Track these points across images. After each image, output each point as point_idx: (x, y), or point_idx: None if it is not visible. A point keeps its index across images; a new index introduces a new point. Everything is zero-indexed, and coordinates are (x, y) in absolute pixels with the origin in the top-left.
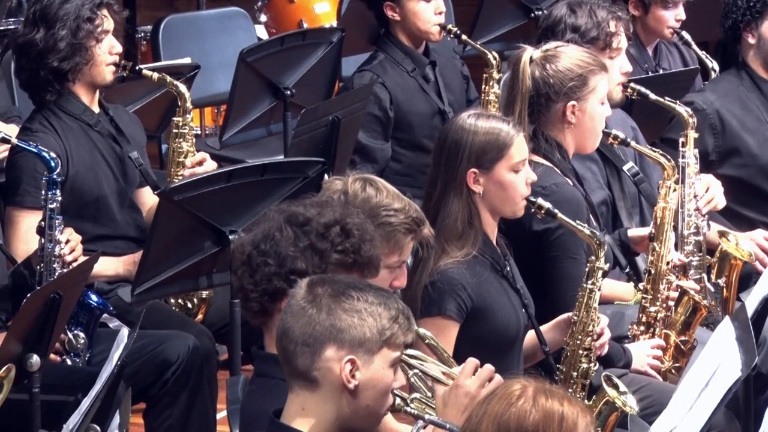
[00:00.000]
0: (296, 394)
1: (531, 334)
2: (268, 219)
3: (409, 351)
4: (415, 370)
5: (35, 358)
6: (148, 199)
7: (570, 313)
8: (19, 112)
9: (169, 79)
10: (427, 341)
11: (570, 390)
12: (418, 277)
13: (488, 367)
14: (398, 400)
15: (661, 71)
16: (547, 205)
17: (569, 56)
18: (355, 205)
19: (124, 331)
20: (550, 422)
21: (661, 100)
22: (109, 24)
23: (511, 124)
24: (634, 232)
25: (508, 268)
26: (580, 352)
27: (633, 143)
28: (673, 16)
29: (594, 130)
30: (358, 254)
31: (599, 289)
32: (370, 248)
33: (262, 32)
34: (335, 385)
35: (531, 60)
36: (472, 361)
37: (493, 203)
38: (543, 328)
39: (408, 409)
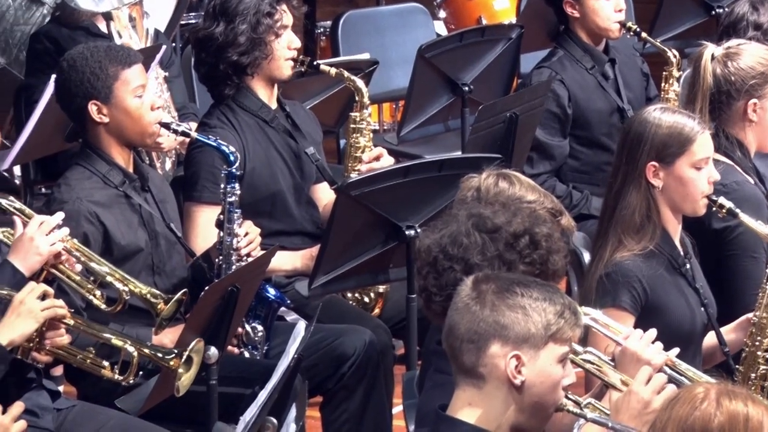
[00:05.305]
0: (463, 390)
1: (711, 335)
2: (455, 220)
3: (585, 356)
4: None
5: (213, 351)
6: (324, 194)
7: (751, 314)
8: (196, 109)
9: (346, 74)
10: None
11: None
12: (593, 268)
13: (662, 376)
14: (565, 400)
15: None
16: (729, 204)
17: (751, 54)
18: (488, 199)
19: (301, 325)
20: (735, 424)
21: None
22: (288, 19)
23: (697, 120)
24: None
25: (688, 266)
26: (759, 354)
27: None
28: None
29: None
30: (545, 266)
31: None
32: (558, 260)
33: (441, 28)
34: (501, 381)
35: (713, 57)
36: (646, 369)
37: (673, 199)
38: (725, 328)
39: (571, 408)
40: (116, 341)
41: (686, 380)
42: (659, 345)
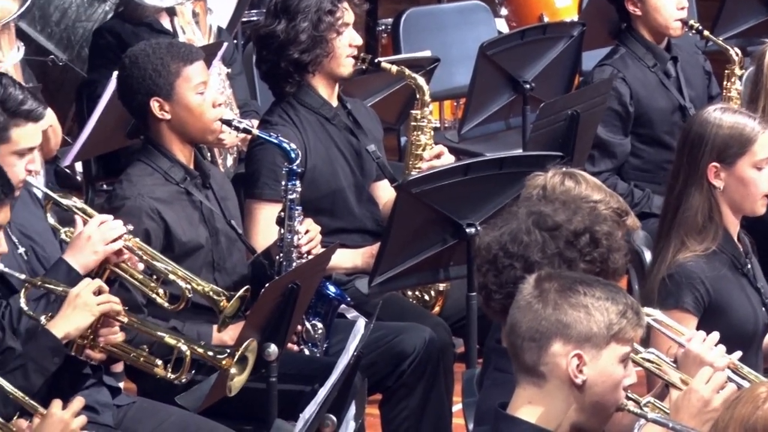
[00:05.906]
0: (523, 388)
1: None
2: (515, 217)
3: (645, 355)
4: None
5: (273, 348)
6: (385, 192)
7: None
8: (257, 107)
9: (407, 72)
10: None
11: None
12: (656, 269)
13: (722, 374)
14: (626, 400)
15: None
16: None
17: None
18: (553, 198)
19: (361, 322)
20: None
21: None
22: (349, 17)
23: (758, 120)
24: None
25: (749, 266)
26: None
27: None
28: None
29: None
30: (605, 264)
31: None
32: (618, 258)
33: (502, 26)
34: (562, 380)
35: None
36: (707, 369)
37: (734, 199)
38: None
39: (632, 408)
40: (169, 339)
41: (748, 384)
42: (722, 348)
